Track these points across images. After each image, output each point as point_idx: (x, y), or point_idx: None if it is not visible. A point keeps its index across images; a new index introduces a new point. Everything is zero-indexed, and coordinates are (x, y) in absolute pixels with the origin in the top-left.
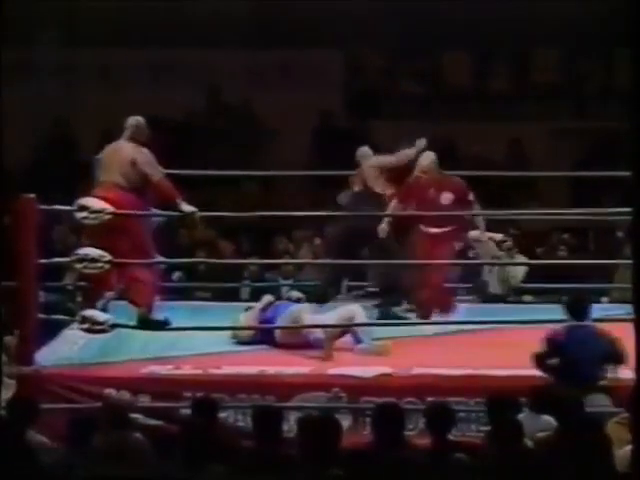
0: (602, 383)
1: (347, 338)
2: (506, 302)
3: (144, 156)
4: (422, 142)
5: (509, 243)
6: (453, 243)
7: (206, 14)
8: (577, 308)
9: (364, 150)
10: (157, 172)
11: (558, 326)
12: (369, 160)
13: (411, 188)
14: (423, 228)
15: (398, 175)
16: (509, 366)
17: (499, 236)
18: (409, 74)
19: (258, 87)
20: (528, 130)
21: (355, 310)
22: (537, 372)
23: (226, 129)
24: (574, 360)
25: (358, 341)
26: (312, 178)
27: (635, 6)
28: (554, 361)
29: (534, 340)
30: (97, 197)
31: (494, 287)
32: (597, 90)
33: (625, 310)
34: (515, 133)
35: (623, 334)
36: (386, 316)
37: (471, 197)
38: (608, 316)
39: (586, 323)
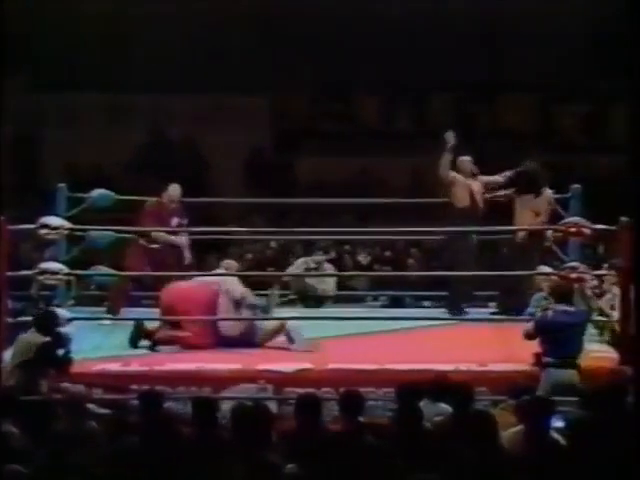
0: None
1: (281, 338)
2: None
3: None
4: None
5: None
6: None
7: (154, 63)
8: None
9: (466, 160)
10: None
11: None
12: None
13: (152, 211)
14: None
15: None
16: (414, 361)
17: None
18: (326, 116)
19: (197, 126)
20: (428, 163)
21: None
22: (435, 366)
23: (169, 163)
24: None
25: (291, 341)
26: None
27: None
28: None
29: (436, 338)
30: None
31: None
32: (485, 129)
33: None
34: (417, 166)
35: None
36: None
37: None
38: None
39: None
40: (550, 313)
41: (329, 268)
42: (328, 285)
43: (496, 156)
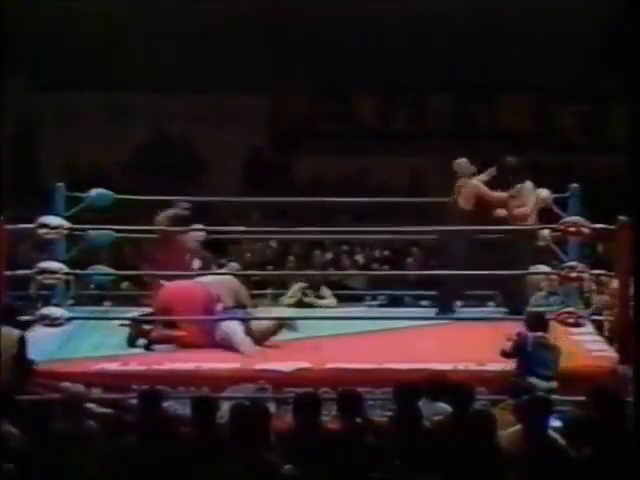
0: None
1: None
2: None
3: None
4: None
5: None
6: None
7: (154, 63)
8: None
9: (463, 162)
10: None
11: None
12: (471, 180)
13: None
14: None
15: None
16: (413, 360)
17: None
18: (326, 116)
19: (197, 125)
20: (425, 164)
21: None
22: (433, 366)
23: (169, 163)
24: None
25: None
26: (242, 203)
27: None
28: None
29: (434, 337)
30: None
31: None
32: (484, 129)
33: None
34: (416, 166)
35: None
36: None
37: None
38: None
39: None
40: (530, 336)
41: (327, 292)
42: (327, 300)
43: (496, 156)
